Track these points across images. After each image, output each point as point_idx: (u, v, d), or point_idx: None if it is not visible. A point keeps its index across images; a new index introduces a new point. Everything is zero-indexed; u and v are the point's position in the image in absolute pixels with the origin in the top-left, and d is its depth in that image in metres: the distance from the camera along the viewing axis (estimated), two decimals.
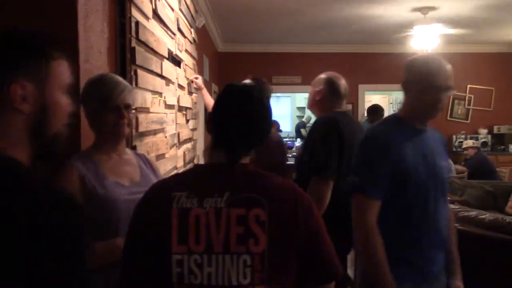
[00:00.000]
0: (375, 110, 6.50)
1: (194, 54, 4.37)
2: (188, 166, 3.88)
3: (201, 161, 4.87)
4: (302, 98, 12.25)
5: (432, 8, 5.51)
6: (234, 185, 1.22)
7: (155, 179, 1.68)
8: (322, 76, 2.63)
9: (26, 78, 0.91)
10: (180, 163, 3.51)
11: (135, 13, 2.21)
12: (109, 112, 1.57)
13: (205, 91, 4.26)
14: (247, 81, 2.82)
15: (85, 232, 1.25)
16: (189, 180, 1.27)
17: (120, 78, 1.64)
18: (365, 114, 7.16)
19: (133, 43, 2.18)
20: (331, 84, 2.57)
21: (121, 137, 1.64)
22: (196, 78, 4.08)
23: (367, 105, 8.48)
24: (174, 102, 3.27)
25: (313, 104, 2.64)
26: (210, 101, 4.35)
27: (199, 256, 1.17)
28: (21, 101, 0.91)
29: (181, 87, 3.58)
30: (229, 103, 1.30)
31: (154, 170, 1.80)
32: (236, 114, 1.27)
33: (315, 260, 1.25)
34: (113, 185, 1.56)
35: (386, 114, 7.42)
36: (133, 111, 1.60)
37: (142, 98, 2.31)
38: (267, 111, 1.31)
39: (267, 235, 1.17)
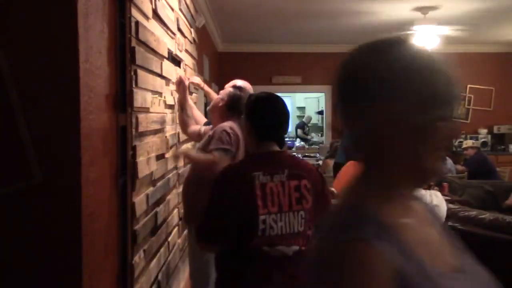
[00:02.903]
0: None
1: (194, 54, 4.37)
2: (186, 165, 3.88)
3: None
4: (302, 98, 12.24)
5: (432, 8, 5.51)
6: (288, 165, 1.85)
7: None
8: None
9: None
10: (180, 163, 3.51)
11: (135, 13, 2.21)
12: (448, 125, 0.78)
13: (207, 88, 4.18)
14: (230, 88, 2.84)
15: None
16: (260, 163, 1.84)
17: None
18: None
19: (133, 43, 2.18)
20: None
21: (439, 174, 0.88)
22: (189, 79, 3.97)
23: None
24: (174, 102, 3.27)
25: None
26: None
27: (275, 215, 1.76)
28: None
29: None
30: (270, 107, 1.91)
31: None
32: (278, 115, 1.91)
33: (326, 208, 1.83)
34: (446, 280, 0.76)
35: None
36: None
37: (142, 98, 2.31)
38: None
39: (311, 196, 1.82)
